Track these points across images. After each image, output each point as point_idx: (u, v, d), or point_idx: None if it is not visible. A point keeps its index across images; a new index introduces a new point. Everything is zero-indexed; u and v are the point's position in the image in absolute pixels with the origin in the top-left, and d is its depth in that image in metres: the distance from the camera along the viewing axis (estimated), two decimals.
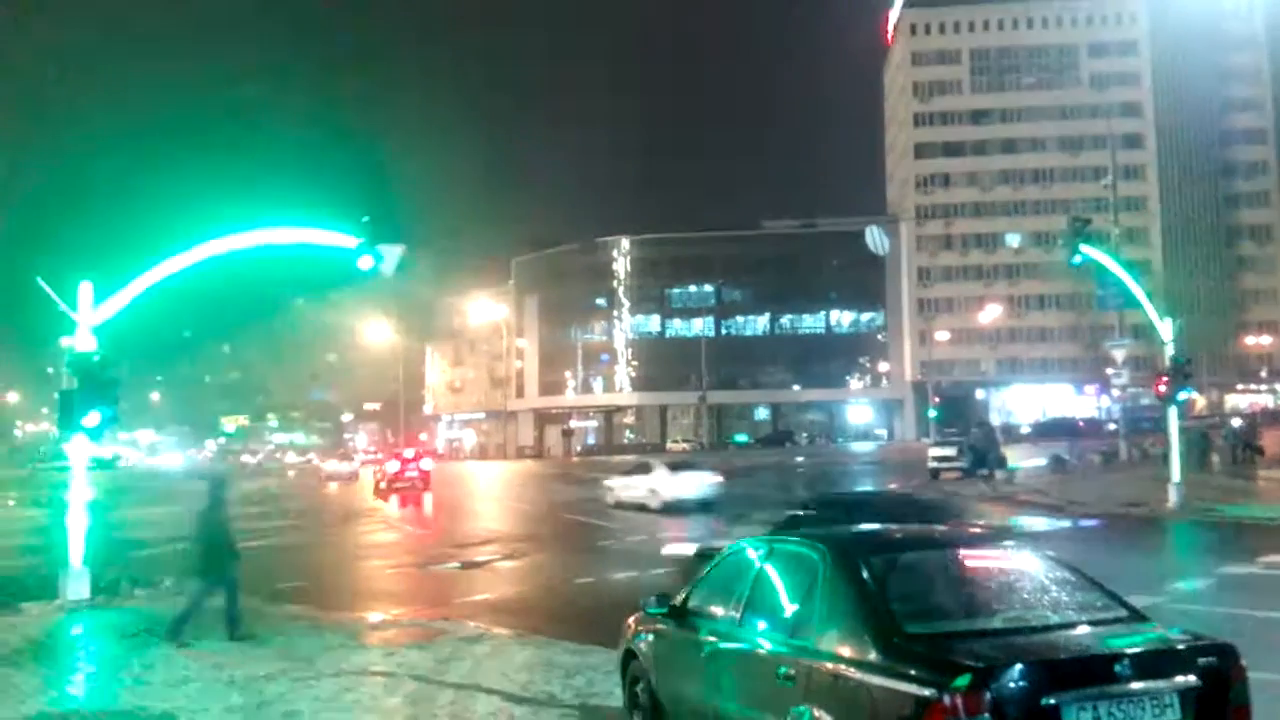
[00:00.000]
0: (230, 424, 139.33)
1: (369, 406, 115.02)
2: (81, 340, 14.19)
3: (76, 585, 13.75)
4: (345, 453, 68.98)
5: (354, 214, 15.53)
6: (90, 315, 14.36)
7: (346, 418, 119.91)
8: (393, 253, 15.58)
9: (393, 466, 41.25)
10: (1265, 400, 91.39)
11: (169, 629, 10.88)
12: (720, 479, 29.26)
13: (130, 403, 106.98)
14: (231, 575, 11.14)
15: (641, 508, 27.13)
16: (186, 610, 11.01)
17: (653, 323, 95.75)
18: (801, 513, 13.19)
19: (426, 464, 42.20)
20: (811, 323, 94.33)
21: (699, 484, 28.23)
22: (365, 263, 15.40)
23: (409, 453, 45.55)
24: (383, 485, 39.80)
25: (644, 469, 30.10)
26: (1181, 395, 23.63)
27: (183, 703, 8.29)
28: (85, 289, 14.34)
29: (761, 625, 5.43)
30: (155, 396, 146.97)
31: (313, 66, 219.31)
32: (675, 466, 30.20)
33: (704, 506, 26.33)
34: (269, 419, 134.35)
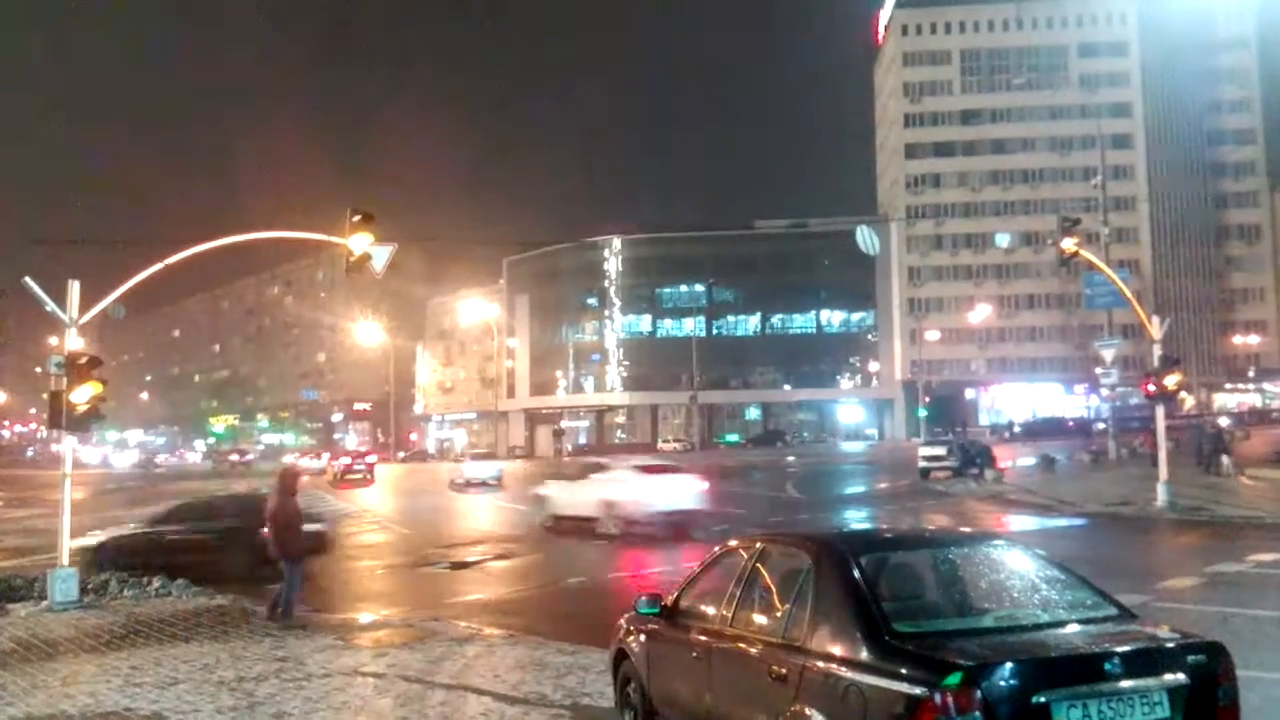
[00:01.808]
0: (219, 424, 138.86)
1: (359, 406, 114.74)
2: (70, 340, 14.14)
3: (64, 586, 13.69)
4: (316, 452, 78.80)
5: (345, 212, 15.50)
6: (79, 315, 14.30)
7: (336, 418, 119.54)
8: (383, 252, 15.56)
9: (344, 461, 51.44)
10: (1253, 400, 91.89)
11: (282, 613, 11.91)
12: (503, 465, 46.21)
13: (119, 403, 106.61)
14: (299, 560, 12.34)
15: (463, 484, 40.66)
16: (288, 592, 12.00)
17: (644, 322, 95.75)
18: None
19: (372, 459, 53.48)
20: (802, 322, 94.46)
21: (489, 469, 42.54)
22: (356, 262, 15.37)
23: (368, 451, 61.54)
24: (337, 477, 48.31)
25: (461, 459, 48.93)
26: (1169, 392, 23.67)
27: (172, 703, 8.25)
28: (73, 289, 14.28)
29: (753, 625, 5.43)
30: (144, 396, 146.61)
31: (305, 63, 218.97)
32: (476, 456, 48.33)
33: (496, 482, 40.47)
34: (259, 419, 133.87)
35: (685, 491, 21.68)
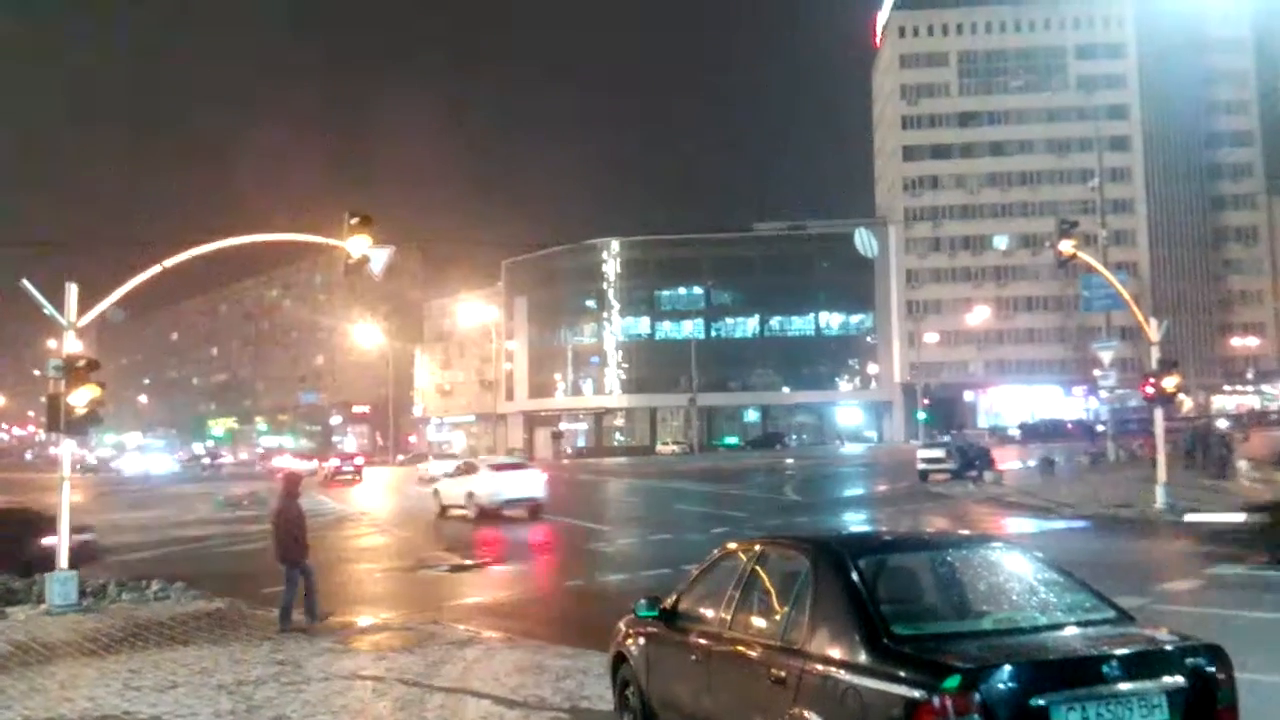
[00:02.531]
0: (218, 427, 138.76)
1: (358, 409, 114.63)
2: (68, 343, 14.13)
3: (63, 589, 13.67)
4: (307, 454, 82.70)
5: (344, 215, 15.49)
6: (77, 318, 14.29)
7: (335, 420, 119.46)
8: (381, 254, 15.56)
9: (334, 463, 55.61)
10: (1251, 401, 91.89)
11: (279, 617, 11.86)
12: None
13: (117, 405, 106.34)
14: (308, 562, 12.27)
15: (428, 480, 40.76)
16: (287, 597, 11.93)
17: (642, 325, 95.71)
18: None
19: (360, 461, 57.18)
20: (801, 325, 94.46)
21: (449, 468, 42.09)
22: (354, 264, 15.37)
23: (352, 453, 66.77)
24: (328, 478, 51.33)
25: (425, 459, 54.89)
26: (1167, 394, 23.67)
27: (171, 707, 8.25)
28: (72, 291, 14.27)
29: (751, 628, 5.43)
30: (143, 399, 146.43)
31: (303, 64, 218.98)
32: (438, 456, 54.83)
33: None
34: (257, 421, 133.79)
35: (528, 483, 27.38)
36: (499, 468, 28.73)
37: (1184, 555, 17.16)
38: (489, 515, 25.86)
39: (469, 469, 29.12)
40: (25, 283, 14.04)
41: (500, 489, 26.78)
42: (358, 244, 15.20)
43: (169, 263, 14.99)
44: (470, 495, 26.78)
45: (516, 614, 12.94)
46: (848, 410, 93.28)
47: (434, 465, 48.46)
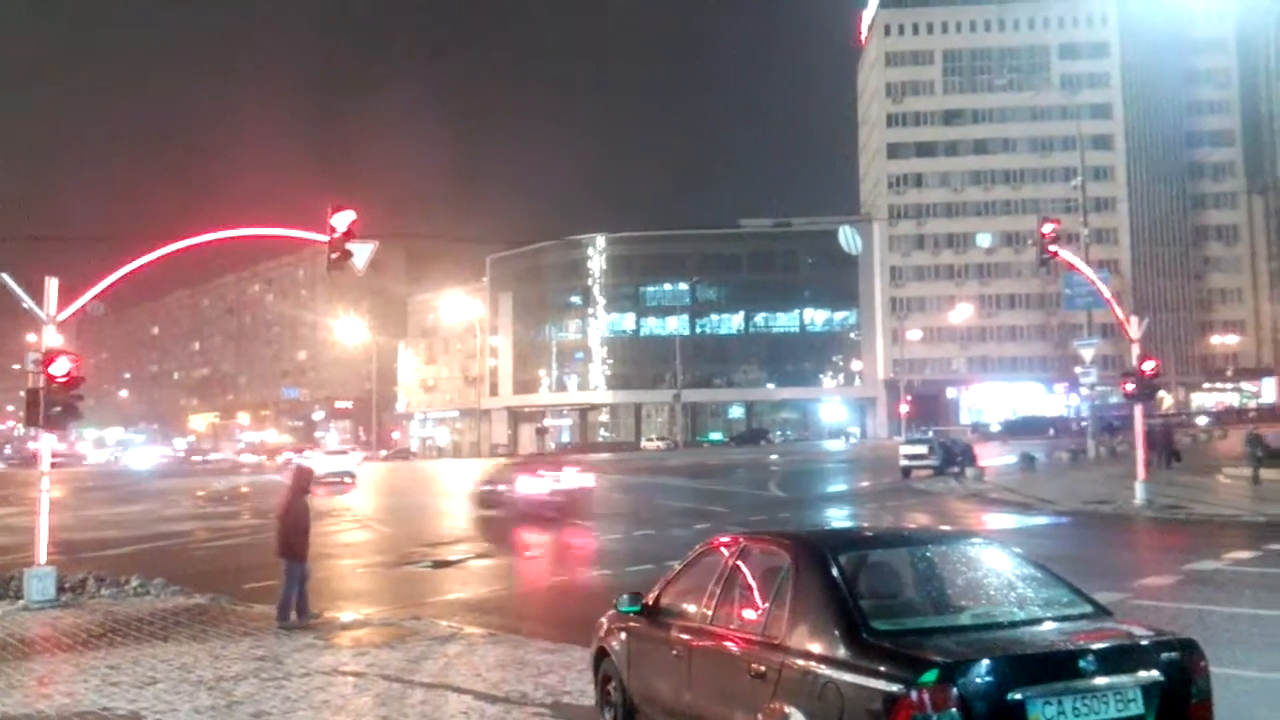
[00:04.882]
0: (200, 422, 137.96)
1: (341, 405, 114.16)
2: (48, 337, 14.01)
3: (41, 584, 13.57)
4: (275, 449, 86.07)
5: (326, 209, 15.39)
6: (57, 312, 14.18)
7: (318, 416, 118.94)
8: (364, 249, 15.45)
9: (288, 455, 61.55)
10: (1230, 399, 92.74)
11: (278, 613, 11.62)
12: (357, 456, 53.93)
13: (98, 400, 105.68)
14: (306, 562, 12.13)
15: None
16: (286, 592, 11.67)
17: (627, 321, 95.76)
18: None
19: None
20: (785, 321, 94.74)
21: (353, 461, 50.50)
22: (336, 259, 15.27)
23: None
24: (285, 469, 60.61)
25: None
26: (1147, 392, 23.82)
27: (150, 703, 8.20)
28: (51, 285, 14.15)
29: (732, 623, 5.45)
30: (123, 394, 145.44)
31: (288, 63, 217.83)
32: (330, 452, 59.35)
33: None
34: (239, 417, 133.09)
35: (343, 463, 44.31)
36: (329, 453, 48.46)
37: (1162, 551, 17.32)
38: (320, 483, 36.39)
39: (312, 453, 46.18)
40: (4, 276, 13.91)
41: (325, 467, 40.75)
42: (340, 239, 15.10)
43: (150, 257, 14.88)
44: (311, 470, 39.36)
45: (499, 609, 12.93)
46: (832, 406, 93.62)
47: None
